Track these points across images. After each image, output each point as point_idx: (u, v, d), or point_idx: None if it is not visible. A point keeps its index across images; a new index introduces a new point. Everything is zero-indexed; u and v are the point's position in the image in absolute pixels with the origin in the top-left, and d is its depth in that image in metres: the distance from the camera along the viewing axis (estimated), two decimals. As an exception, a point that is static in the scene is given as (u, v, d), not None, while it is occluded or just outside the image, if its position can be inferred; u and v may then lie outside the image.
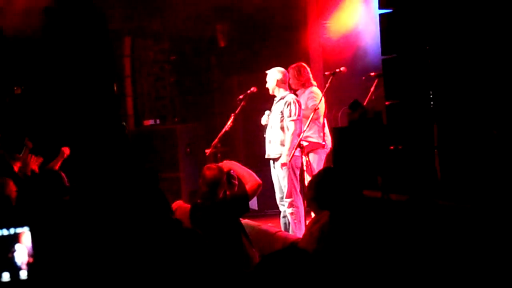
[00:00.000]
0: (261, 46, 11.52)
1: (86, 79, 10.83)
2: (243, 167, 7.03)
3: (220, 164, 7.01)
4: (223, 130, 8.88)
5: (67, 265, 4.79)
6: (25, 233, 3.99)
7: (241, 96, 9.03)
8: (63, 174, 6.31)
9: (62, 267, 4.75)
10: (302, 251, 3.34)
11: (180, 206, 6.91)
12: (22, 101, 10.31)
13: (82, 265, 4.77)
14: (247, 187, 6.74)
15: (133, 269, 4.35)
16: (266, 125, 8.75)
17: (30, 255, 3.99)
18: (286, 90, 8.69)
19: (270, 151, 8.65)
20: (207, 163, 7.21)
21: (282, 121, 8.54)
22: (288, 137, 8.43)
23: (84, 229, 5.19)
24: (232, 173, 6.99)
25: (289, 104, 8.51)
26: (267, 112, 8.78)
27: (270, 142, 8.64)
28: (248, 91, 8.99)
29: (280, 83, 8.68)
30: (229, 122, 8.89)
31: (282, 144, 8.49)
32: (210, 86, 12.09)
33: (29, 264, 3.98)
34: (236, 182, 7.05)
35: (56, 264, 4.74)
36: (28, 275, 3.96)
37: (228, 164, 7.01)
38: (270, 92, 8.73)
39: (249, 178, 6.80)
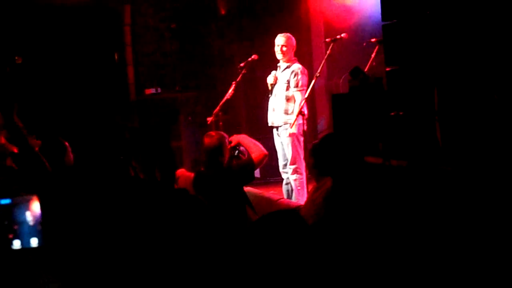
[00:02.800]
0: (262, 13, 11.46)
1: (87, 48, 10.83)
2: (250, 139, 7.01)
3: (230, 138, 6.98)
4: (225, 98, 8.88)
5: (77, 233, 4.82)
6: (34, 201, 4.01)
7: (242, 64, 9.01)
8: (66, 144, 6.34)
9: (72, 235, 4.79)
10: (297, 214, 3.37)
11: (183, 174, 6.92)
12: (23, 71, 10.32)
13: (90, 232, 4.80)
14: (253, 156, 6.74)
15: (137, 236, 4.39)
16: (270, 90, 8.70)
17: (40, 223, 4.01)
18: (292, 59, 8.66)
19: (274, 119, 8.65)
20: (209, 132, 7.22)
21: (287, 90, 8.53)
22: (296, 107, 8.42)
23: (90, 197, 5.22)
24: (241, 148, 6.98)
25: (296, 74, 8.50)
26: (273, 72, 8.74)
27: (274, 110, 8.64)
28: (249, 59, 8.98)
29: (291, 51, 8.65)
30: (230, 90, 8.88)
31: (286, 113, 8.50)
32: (211, 54, 12.04)
33: (39, 232, 4.00)
34: (245, 157, 7.05)
35: (66, 232, 4.77)
36: (39, 242, 3.98)
37: (237, 138, 6.99)
38: (280, 57, 8.65)
39: (255, 148, 6.80)
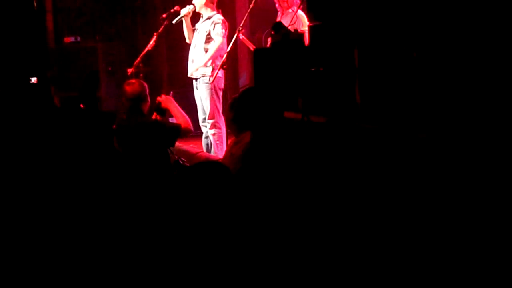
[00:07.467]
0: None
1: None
2: (181, 110, 6.92)
3: (159, 98, 6.90)
4: (146, 50, 8.75)
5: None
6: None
7: (164, 15, 8.87)
8: None
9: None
10: (220, 165, 3.37)
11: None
12: None
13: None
14: (182, 125, 6.69)
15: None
16: (178, 19, 8.57)
17: None
18: (214, 10, 8.57)
19: (193, 70, 8.58)
20: (128, 80, 7.16)
21: (206, 41, 8.45)
22: (213, 48, 8.35)
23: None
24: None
25: (216, 24, 8.41)
26: (189, 6, 8.60)
27: (193, 61, 8.55)
28: (172, 10, 8.84)
29: (209, 2, 8.55)
30: (151, 42, 8.76)
31: (205, 65, 8.42)
32: (133, 4, 11.84)
33: None
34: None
35: None
36: None
37: (166, 102, 6.89)
38: (197, 10, 8.58)
39: (183, 119, 6.75)
